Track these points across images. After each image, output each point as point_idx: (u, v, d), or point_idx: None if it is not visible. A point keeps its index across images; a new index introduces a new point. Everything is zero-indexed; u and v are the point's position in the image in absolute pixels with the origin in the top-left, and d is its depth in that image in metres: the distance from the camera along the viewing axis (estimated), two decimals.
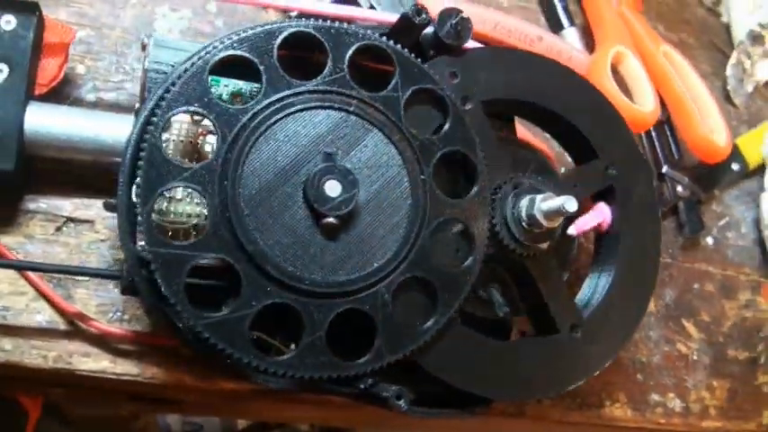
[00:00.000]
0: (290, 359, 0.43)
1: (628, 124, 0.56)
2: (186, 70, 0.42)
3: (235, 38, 0.43)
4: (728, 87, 0.81)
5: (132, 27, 0.57)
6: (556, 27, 0.70)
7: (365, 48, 0.46)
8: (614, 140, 0.55)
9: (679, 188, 0.70)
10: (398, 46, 0.47)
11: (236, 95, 0.48)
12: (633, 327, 0.54)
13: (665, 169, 0.70)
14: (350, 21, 0.56)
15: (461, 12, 0.49)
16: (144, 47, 0.49)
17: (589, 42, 0.70)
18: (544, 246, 0.49)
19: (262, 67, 0.43)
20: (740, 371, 0.72)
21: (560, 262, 0.54)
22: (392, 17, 0.51)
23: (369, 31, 0.46)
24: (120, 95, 0.55)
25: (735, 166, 0.76)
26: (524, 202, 0.48)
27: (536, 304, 0.52)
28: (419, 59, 0.48)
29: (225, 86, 0.49)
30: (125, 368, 0.50)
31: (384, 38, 0.47)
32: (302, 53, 0.47)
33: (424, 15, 0.48)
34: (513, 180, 0.49)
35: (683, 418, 0.67)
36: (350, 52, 0.45)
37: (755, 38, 0.83)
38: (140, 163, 0.41)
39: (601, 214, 0.53)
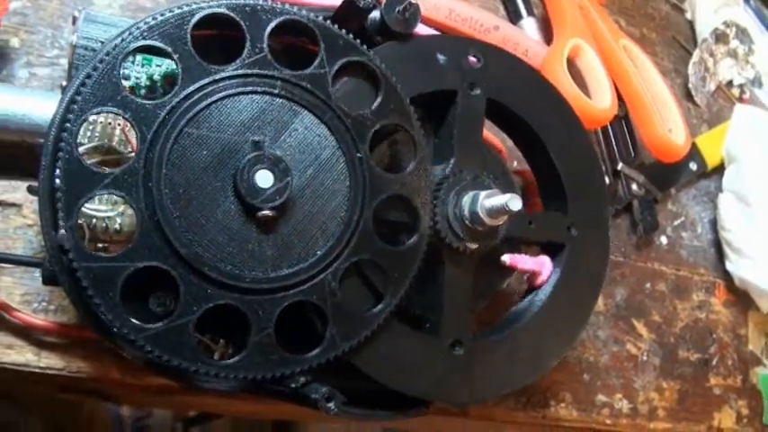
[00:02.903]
0: (240, 361, 0.41)
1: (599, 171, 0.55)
2: (97, 67, 0.39)
3: (144, 26, 0.40)
4: (690, 85, 0.79)
5: None
6: (514, 16, 0.68)
7: (286, 24, 0.43)
8: (588, 200, 0.54)
9: (634, 186, 0.69)
10: (327, 22, 0.44)
11: (169, 77, 0.46)
12: (532, 374, 0.51)
13: (620, 166, 0.69)
14: (294, 2, 0.55)
15: None
16: (75, 21, 0.47)
17: (548, 34, 0.68)
18: (483, 244, 0.47)
19: (176, 56, 0.40)
20: (691, 372, 0.71)
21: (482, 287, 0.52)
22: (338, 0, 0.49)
23: (287, 6, 0.43)
24: (54, 71, 0.52)
25: (693, 166, 0.76)
26: (467, 199, 0.46)
27: (432, 303, 0.49)
28: (364, 45, 0.45)
29: (157, 66, 0.47)
30: (50, 361, 0.48)
31: (324, 20, 0.45)
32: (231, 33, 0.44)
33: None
34: (458, 175, 0.47)
35: (631, 419, 0.66)
36: (268, 30, 0.42)
37: (719, 36, 0.83)
38: (60, 154, 0.39)
39: (541, 265, 0.51)
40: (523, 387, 0.53)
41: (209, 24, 0.42)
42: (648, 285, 0.70)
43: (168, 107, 0.40)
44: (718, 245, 0.76)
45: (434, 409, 0.51)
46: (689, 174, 0.75)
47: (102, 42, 0.46)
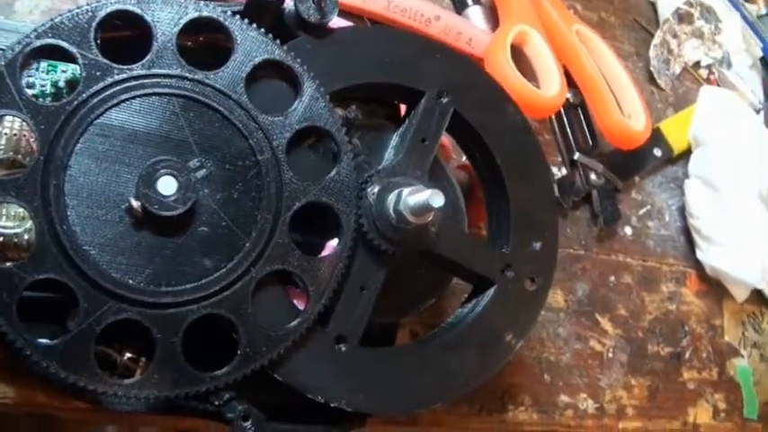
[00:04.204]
0: (144, 379, 0.39)
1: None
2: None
3: (48, 24, 0.38)
4: (652, 68, 0.77)
5: None
6: (460, 5, 0.65)
7: (198, 22, 0.41)
8: (437, 68, 0.49)
9: (592, 176, 0.66)
10: (243, 20, 0.42)
11: (73, 83, 0.44)
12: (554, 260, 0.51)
13: (577, 156, 0.66)
14: None
15: None
16: None
17: (495, 22, 0.65)
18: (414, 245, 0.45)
19: (79, 55, 0.38)
20: (662, 367, 0.68)
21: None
22: None
23: (202, 3, 0.41)
24: None
25: (657, 152, 0.73)
26: (392, 197, 0.43)
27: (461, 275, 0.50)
28: (278, 40, 0.43)
29: (63, 72, 0.44)
30: None
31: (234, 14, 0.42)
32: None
33: None
34: (379, 173, 0.45)
35: (597, 419, 0.63)
36: (177, 28, 0.40)
37: (683, 16, 0.80)
38: None
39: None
40: (475, 391, 0.50)
41: (121, 22, 0.40)
42: (613, 278, 0.67)
43: (69, 108, 0.38)
44: (687, 233, 0.73)
45: (381, 418, 0.49)
46: (653, 160, 0.72)
47: (2, 50, 0.44)
